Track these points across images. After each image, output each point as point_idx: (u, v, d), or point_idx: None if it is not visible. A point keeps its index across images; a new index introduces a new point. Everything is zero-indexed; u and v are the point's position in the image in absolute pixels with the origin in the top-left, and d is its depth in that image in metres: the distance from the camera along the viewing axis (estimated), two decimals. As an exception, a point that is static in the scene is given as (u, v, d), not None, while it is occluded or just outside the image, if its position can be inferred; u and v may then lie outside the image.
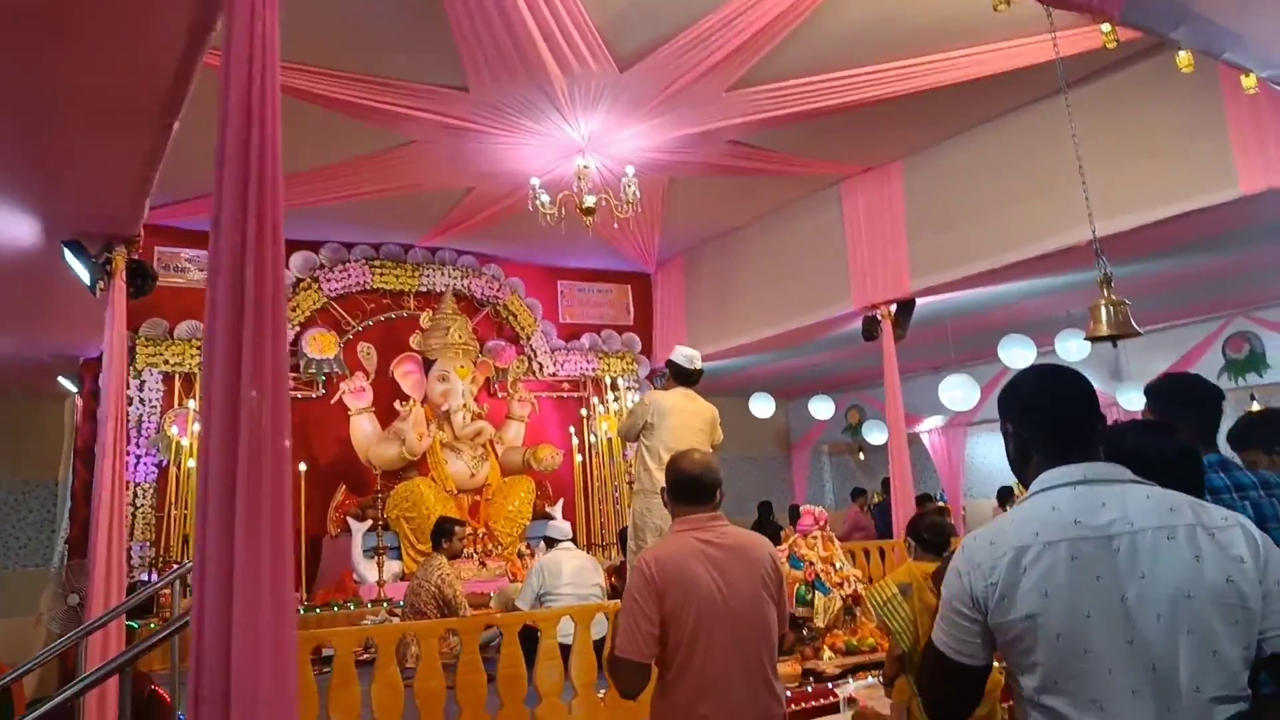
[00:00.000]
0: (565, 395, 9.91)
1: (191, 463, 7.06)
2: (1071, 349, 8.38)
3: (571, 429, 9.43)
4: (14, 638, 7.79)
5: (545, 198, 6.43)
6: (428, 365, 8.70)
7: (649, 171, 6.86)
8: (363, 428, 8.35)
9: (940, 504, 10.62)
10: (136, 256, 4.91)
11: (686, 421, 5.09)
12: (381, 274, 8.89)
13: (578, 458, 9.26)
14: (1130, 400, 9.01)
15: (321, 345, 8.47)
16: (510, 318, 9.60)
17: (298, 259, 8.53)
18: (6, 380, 8.12)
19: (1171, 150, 5.47)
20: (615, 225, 7.13)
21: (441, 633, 4.40)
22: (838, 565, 4.91)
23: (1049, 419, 1.68)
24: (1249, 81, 4.20)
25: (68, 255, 4.68)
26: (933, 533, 3.44)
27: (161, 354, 7.76)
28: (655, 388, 8.70)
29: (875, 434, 11.99)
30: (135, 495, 7.41)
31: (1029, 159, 6.22)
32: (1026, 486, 1.70)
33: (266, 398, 1.70)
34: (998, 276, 6.83)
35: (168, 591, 6.06)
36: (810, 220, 8.19)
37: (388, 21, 4.96)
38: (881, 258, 7.32)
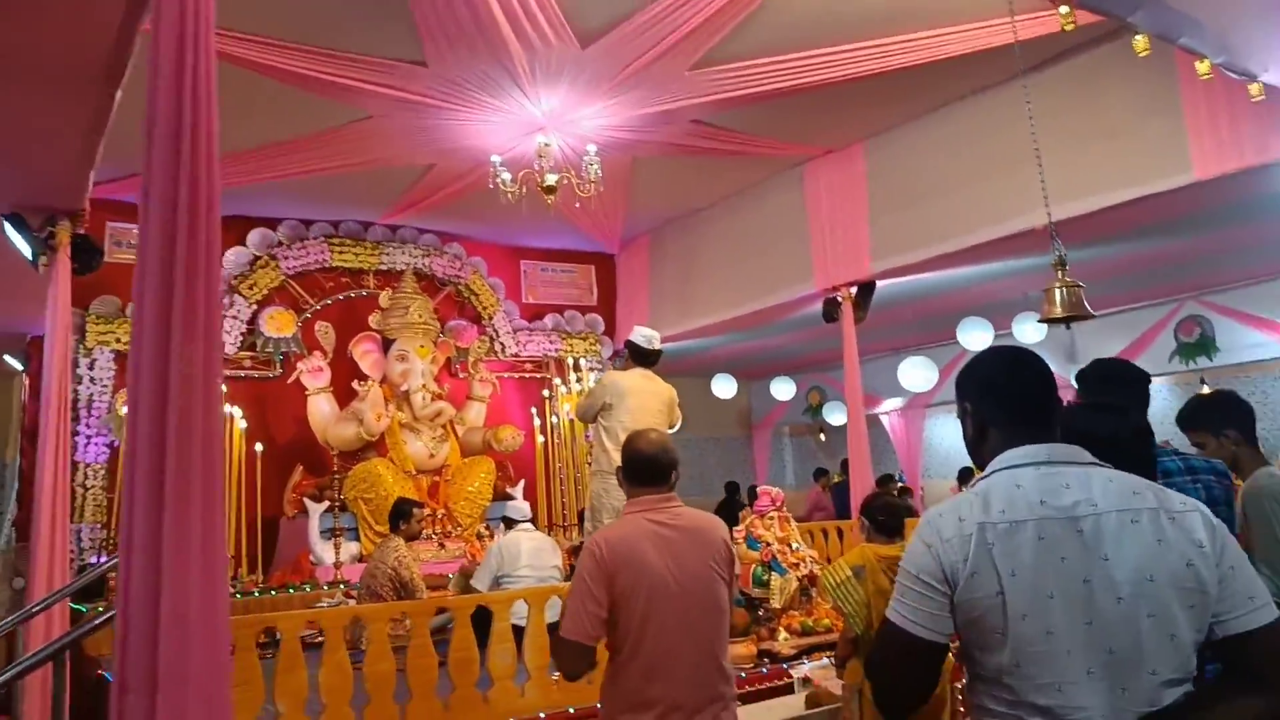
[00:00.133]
0: (527, 376, 9.85)
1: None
2: (1029, 332, 8.49)
3: (534, 410, 9.39)
4: (-41, 622, 7.61)
5: (506, 175, 6.35)
6: (387, 345, 8.59)
7: (611, 150, 6.79)
8: (320, 408, 8.24)
9: (901, 484, 10.75)
10: (83, 231, 4.76)
11: (645, 402, 5.08)
12: (341, 252, 8.73)
13: (539, 439, 9.23)
14: (1085, 383, 9.13)
15: (279, 324, 8.32)
16: (472, 297, 9.49)
17: (255, 236, 8.34)
18: (-50, 358, 7.90)
19: (1128, 134, 5.51)
20: (577, 205, 7.06)
21: (394, 615, 4.35)
22: (794, 546, 4.93)
23: (1008, 398, 1.69)
24: (1203, 67, 4.24)
25: (7, 228, 4.52)
26: (887, 513, 3.44)
27: (113, 332, 7.55)
28: (614, 368, 8.66)
29: (836, 415, 12.07)
30: (85, 476, 7.24)
31: (990, 141, 6.24)
32: (982, 468, 1.69)
33: (198, 375, 1.64)
34: (957, 259, 6.86)
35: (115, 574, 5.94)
36: (773, 201, 8.17)
37: (342, -8, 4.85)
38: (843, 240, 7.32)
